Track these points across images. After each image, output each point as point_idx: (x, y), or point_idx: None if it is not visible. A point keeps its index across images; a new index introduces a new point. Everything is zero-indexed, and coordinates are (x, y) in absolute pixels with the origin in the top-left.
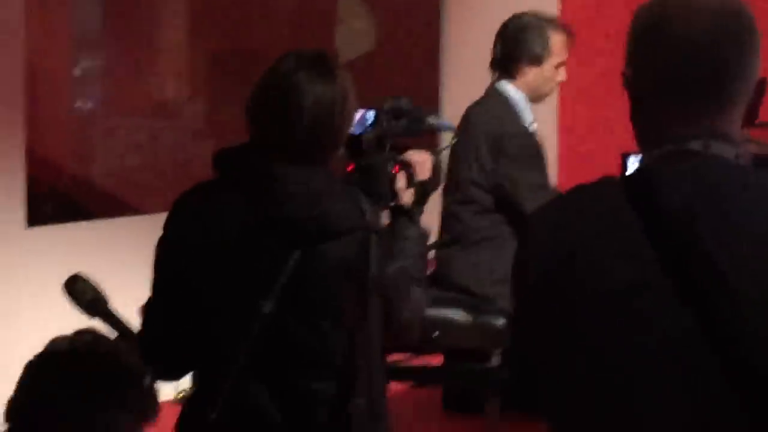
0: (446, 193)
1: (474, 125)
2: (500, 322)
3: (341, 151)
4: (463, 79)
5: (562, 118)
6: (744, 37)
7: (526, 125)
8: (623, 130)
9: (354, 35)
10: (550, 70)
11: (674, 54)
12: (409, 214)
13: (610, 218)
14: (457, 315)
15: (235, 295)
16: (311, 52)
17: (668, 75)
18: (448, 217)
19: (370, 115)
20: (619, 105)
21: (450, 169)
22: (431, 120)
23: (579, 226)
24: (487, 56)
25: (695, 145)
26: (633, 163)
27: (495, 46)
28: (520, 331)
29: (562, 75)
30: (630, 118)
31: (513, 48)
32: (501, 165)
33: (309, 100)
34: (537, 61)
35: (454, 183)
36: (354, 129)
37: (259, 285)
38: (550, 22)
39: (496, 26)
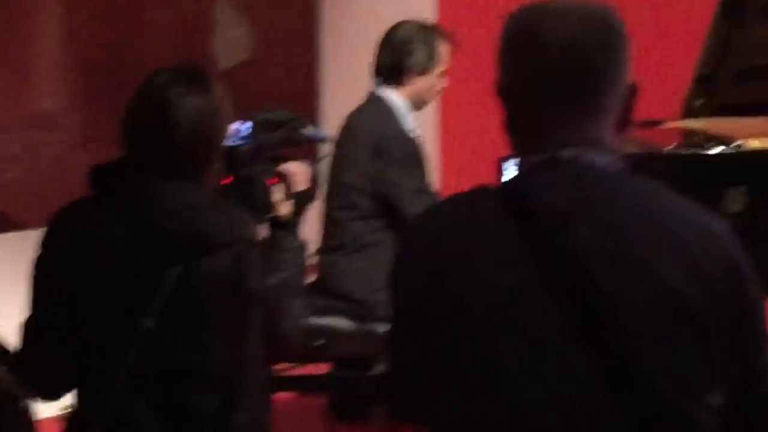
0: (328, 198)
1: (355, 130)
2: (384, 329)
3: (218, 163)
4: (343, 85)
5: (443, 124)
6: (614, 43)
7: (408, 131)
8: (503, 137)
9: (231, 44)
10: (435, 78)
11: (545, 61)
12: (287, 226)
13: (487, 226)
14: (341, 323)
15: (114, 313)
16: (185, 66)
17: (539, 82)
18: (330, 224)
19: (246, 126)
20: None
21: (331, 175)
22: (308, 131)
23: (457, 233)
24: (365, 61)
25: (568, 153)
26: (508, 168)
27: (381, 53)
28: (399, 339)
29: (444, 82)
30: (504, 126)
31: (401, 57)
32: (381, 169)
33: (184, 114)
34: (425, 70)
35: (335, 188)
36: (230, 141)
37: (138, 302)
38: (436, 30)
39: (373, 31)
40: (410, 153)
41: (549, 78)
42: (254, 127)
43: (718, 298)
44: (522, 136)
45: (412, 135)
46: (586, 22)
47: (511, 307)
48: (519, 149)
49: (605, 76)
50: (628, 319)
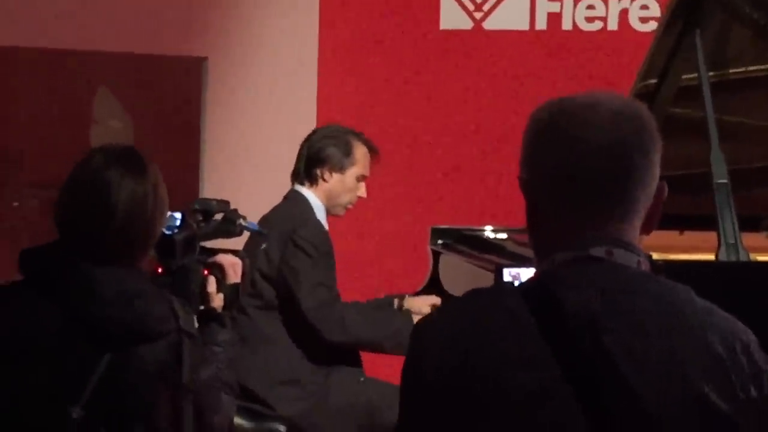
0: None
1: (269, 224)
2: (281, 429)
3: (152, 251)
4: (224, 179)
5: None
6: (646, 142)
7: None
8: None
9: (110, 135)
10: (352, 180)
11: (578, 160)
12: (218, 319)
13: (508, 324)
14: (237, 421)
15: (43, 401)
16: (120, 148)
17: (571, 181)
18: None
19: (177, 215)
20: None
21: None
22: (242, 222)
23: (475, 332)
24: (248, 157)
25: (597, 252)
26: (508, 276)
27: (300, 153)
28: None
29: (362, 190)
30: (527, 222)
31: (316, 153)
32: (287, 255)
33: (121, 198)
34: (339, 167)
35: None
36: (164, 229)
37: (68, 390)
38: (355, 133)
39: (258, 122)
40: (319, 244)
41: (583, 178)
42: (186, 217)
43: (743, 407)
44: (547, 233)
45: (324, 228)
46: (620, 122)
47: (533, 409)
48: (543, 247)
49: (639, 176)
50: (654, 425)
